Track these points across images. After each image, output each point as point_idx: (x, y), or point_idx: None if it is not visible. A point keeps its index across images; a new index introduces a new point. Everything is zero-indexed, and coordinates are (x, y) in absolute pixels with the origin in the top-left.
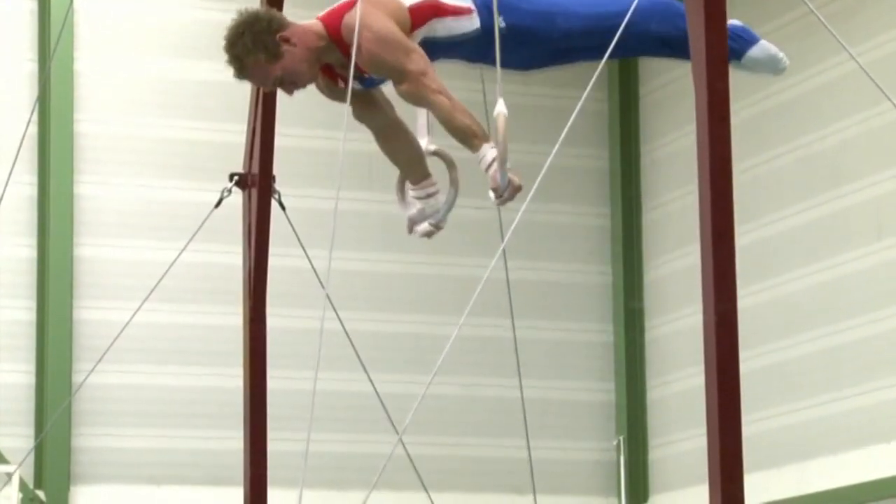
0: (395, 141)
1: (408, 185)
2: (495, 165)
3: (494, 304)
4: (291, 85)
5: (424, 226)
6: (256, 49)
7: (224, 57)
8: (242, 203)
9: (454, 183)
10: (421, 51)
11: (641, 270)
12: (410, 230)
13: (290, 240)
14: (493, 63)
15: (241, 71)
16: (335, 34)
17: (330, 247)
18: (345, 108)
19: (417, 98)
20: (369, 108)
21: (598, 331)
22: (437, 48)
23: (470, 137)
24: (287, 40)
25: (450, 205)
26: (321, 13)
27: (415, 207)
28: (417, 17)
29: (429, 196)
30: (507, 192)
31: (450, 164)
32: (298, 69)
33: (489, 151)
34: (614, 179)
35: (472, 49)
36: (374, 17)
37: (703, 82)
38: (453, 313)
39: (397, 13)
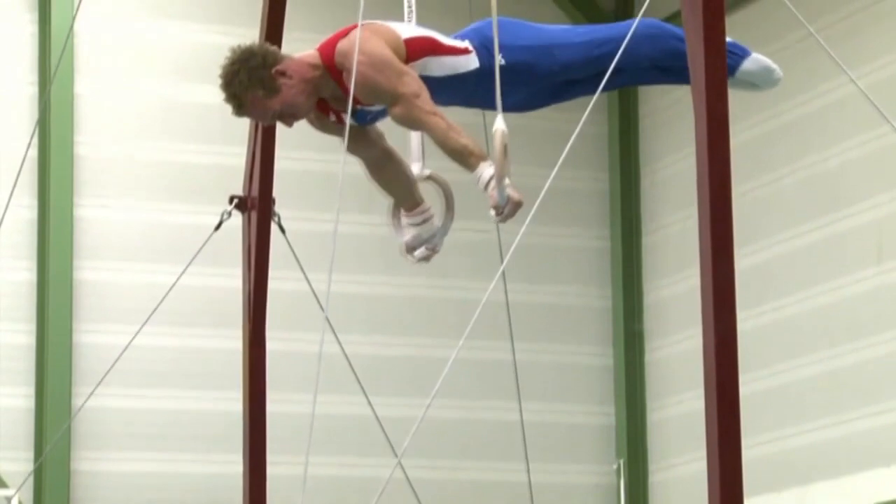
0: (387, 171)
1: (402, 212)
2: (493, 183)
3: (494, 326)
4: (291, 117)
5: (421, 251)
6: (253, 86)
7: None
8: (242, 226)
9: (450, 207)
10: (414, 74)
11: (641, 293)
12: (407, 256)
13: (290, 263)
14: (492, 105)
15: (240, 108)
16: (329, 62)
17: (329, 270)
18: (345, 131)
19: (411, 120)
20: (361, 141)
21: (598, 353)
22: (433, 87)
23: (467, 157)
24: (283, 73)
25: (446, 229)
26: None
27: (410, 233)
28: (413, 51)
29: (424, 221)
30: (508, 209)
31: (445, 189)
32: (296, 101)
33: (487, 169)
34: (614, 202)
35: (471, 90)
36: (370, 42)
37: (702, 104)
38: (453, 336)
39: (393, 42)
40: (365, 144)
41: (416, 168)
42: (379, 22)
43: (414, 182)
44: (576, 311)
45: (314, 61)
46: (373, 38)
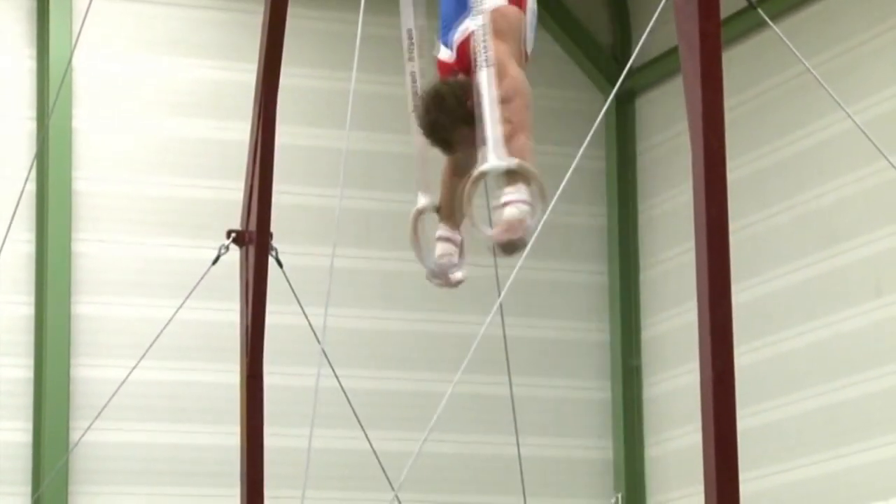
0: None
1: (441, 226)
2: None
3: (492, 361)
4: None
5: (459, 274)
6: (457, 125)
7: (223, 114)
8: (240, 260)
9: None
10: (517, 75)
11: (639, 328)
12: (443, 278)
13: (288, 297)
14: None
15: (450, 149)
16: (469, 70)
17: (326, 304)
18: (342, 166)
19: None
20: (469, 142)
21: (596, 388)
22: None
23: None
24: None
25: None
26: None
27: (444, 256)
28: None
29: (460, 242)
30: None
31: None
32: None
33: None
34: (612, 237)
35: None
36: (494, 45)
37: (699, 140)
38: (450, 370)
39: (516, 25)
40: (467, 147)
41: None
42: (500, 5)
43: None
44: (573, 345)
45: (465, 78)
46: (496, 41)
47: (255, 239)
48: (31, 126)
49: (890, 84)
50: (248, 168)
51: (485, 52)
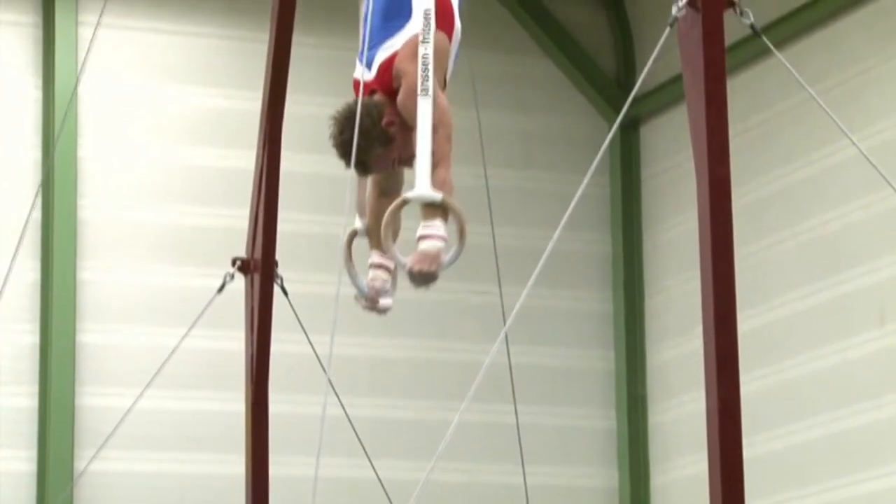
0: (386, 205)
1: (374, 252)
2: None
3: (497, 389)
4: (411, 157)
5: (388, 301)
6: (371, 146)
7: (228, 142)
8: (245, 288)
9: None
10: (442, 104)
11: (644, 356)
12: (372, 302)
13: (293, 325)
14: None
15: (367, 171)
16: (391, 92)
17: (332, 332)
18: (347, 193)
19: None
20: (384, 163)
21: (601, 417)
22: None
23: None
24: (391, 123)
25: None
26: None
27: (377, 280)
28: (447, 28)
29: (392, 269)
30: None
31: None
32: (409, 139)
33: (437, 228)
34: (616, 264)
35: None
36: (412, 65)
37: (704, 168)
38: (455, 399)
39: (443, 50)
40: (384, 169)
41: (416, 185)
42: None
43: (399, 230)
44: (578, 373)
45: (383, 98)
46: (414, 61)
47: (260, 267)
48: (36, 155)
49: (895, 111)
50: (253, 196)
51: (426, 80)
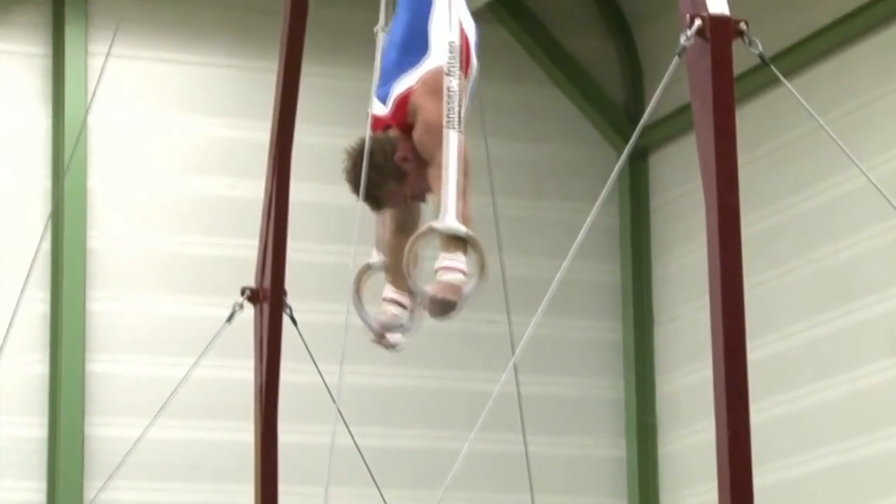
0: (404, 241)
1: (388, 287)
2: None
3: (506, 419)
4: (424, 193)
5: (398, 337)
6: (385, 181)
7: (237, 172)
8: (254, 318)
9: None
10: (462, 138)
11: (654, 385)
12: (379, 336)
13: (302, 354)
14: None
15: (379, 206)
16: (406, 127)
17: (341, 361)
18: (355, 223)
19: (433, 186)
20: (397, 199)
21: (611, 446)
22: None
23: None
24: (404, 158)
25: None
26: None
27: (387, 313)
28: (464, 66)
29: (405, 306)
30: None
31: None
32: (423, 175)
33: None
34: (626, 294)
35: None
36: (429, 101)
37: (713, 197)
38: (464, 428)
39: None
40: (397, 204)
41: (444, 217)
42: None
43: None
44: (588, 403)
45: (398, 133)
46: (430, 97)
47: (269, 296)
48: (46, 185)
49: None
50: (262, 225)
51: (452, 112)
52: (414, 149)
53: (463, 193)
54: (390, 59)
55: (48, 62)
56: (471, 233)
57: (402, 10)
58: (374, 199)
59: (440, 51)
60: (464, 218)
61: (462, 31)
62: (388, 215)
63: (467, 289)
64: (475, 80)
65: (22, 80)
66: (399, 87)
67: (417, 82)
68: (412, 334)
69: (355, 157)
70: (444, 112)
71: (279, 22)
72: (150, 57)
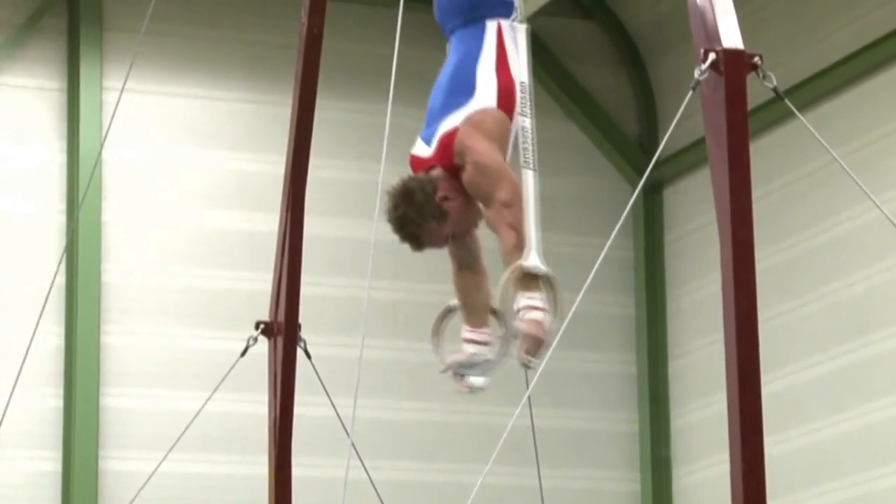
0: (468, 279)
1: (464, 327)
2: (526, 314)
3: (520, 452)
4: (464, 233)
5: (480, 380)
6: (425, 220)
7: (251, 206)
8: (268, 351)
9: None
10: (512, 177)
11: (668, 418)
12: (457, 375)
13: (316, 388)
14: None
15: (419, 245)
16: (450, 168)
17: (355, 395)
18: (370, 257)
19: (491, 225)
20: (465, 239)
21: (626, 479)
22: None
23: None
24: (445, 198)
25: (502, 356)
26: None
27: (463, 353)
28: (508, 108)
29: (486, 343)
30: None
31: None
32: (465, 216)
33: (523, 299)
34: (640, 327)
35: None
36: (477, 142)
37: (727, 230)
38: (479, 461)
39: (500, 125)
40: (466, 244)
41: (529, 256)
42: (489, 108)
43: (488, 305)
44: (602, 436)
45: (440, 173)
46: (478, 137)
47: (283, 330)
48: (60, 219)
49: None
50: (276, 259)
51: (531, 155)
52: (455, 188)
53: (523, 234)
54: (436, 101)
55: (63, 96)
56: (550, 272)
57: (451, 53)
58: (414, 239)
59: (486, 93)
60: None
61: (510, 74)
62: (450, 256)
63: (550, 326)
64: (523, 129)
65: (37, 115)
66: (444, 128)
67: (462, 122)
68: (495, 371)
69: (396, 198)
70: (521, 152)
71: (293, 56)
72: (165, 91)
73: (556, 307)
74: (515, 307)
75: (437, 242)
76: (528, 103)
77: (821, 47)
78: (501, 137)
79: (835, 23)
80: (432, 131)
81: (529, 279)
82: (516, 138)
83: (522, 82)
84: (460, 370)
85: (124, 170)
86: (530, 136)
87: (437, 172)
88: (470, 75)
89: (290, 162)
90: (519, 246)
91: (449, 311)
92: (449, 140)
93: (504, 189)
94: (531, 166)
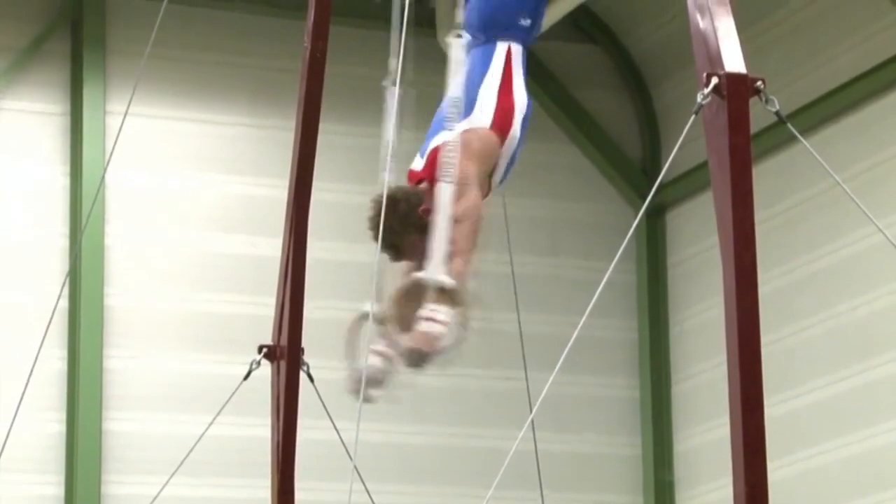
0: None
1: (382, 339)
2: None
3: (523, 476)
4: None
5: (378, 391)
6: (407, 231)
7: (254, 230)
8: (271, 375)
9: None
10: (475, 197)
11: (671, 442)
12: (358, 387)
13: (319, 411)
14: None
15: (399, 256)
16: (434, 180)
17: (358, 419)
18: (372, 281)
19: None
20: (418, 251)
21: (629, 503)
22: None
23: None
24: (428, 210)
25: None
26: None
27: (373, 365)
28: (503, 129)
29: (392, 360)
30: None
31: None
32: None
33: (440, 314)
34: (643, 350)
35: None
36: (461, 163)
37: (730, 254)
38: (482, 486)
39: (486, 143)
40: (417, 256)
41: (429, 268)
42: (479, 127)
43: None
44: (605, 460)
45: (428, 187)
46: (461, 158)
47: (286, 354)
48: (63, 242)
49: None
50: (279, 283)
51: (449, 168)
52: None
53: (464, 252)
54: (439, 118)
55: (67, 120)
56: (457, 286)
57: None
58: (394, 249)
59: (483, 112)
60: (458, 274)
61: (511, 97)
62: (404, 269)
63: (444, 341)
64: (515, 150)
65: (40, 139)
66: (434, 143)
67: (451, 139)
68: (390, 386)
69: (378, 206)
70: (439, 166)
71: (296, 80)
72: (168, 115)
73: (461, 322)
74: (417, 317)
75: (415, 255)
76: (455, 117)
77: (823, 71)
78: (484, 157)
79: (837, 47)
80: (426, 145)
81: (441, 293)
82: (510, 163)
83: (452, 97)
84: (375, 382)
85: (127, 193)
86: (451, 150)
87: (424, 186)
88: (472, 94)
89: (293, 186)
90: (450, 258)
91: (363, 318)
92: (435, 154)
93: (460, 204)
94: (446, 180)
